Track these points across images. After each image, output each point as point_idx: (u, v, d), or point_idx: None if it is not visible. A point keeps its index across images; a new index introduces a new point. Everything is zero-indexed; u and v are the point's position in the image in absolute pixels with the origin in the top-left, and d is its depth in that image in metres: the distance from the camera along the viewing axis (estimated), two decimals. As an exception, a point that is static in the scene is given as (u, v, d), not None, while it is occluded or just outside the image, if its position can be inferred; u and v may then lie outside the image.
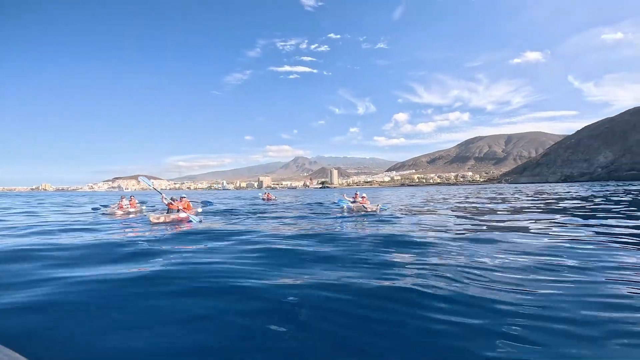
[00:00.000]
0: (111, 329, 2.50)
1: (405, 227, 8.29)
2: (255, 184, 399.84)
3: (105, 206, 15.91)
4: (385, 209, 13.10)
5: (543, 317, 2.58)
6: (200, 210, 11.91)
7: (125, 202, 14.56)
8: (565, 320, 2.51)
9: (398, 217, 10.65)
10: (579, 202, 16.32)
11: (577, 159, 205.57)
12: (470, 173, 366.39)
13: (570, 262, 4.20)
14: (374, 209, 12.61)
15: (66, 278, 3.73)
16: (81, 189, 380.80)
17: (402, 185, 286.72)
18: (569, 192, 30.27)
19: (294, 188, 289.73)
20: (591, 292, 3.13)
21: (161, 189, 13.24)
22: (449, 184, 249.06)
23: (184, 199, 11.88)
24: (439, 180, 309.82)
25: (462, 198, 24.14)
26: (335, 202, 17.00)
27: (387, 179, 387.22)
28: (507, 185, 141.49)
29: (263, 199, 25.03)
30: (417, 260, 4.48)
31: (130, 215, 13.13)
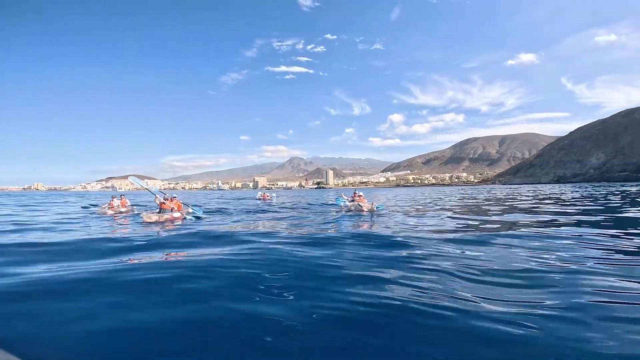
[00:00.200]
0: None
1: (397, 226, 8.26)
2: (251, 184, 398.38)
3: (94, 205, 15.75)
4: (382, 209, 13.10)
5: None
6: (190, 210, 11.83)
7: (116, 201, 14.44)
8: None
9: (392, 217, 10.64)
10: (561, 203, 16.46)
11: (569, 160, 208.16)
12: (464, 174, 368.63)
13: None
14: (370, 208, 12.63)
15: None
16: (74, 188, 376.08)
17: (397, 185, 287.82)
18: (562, 192, 30.58)
19: (290, 188, 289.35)
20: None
21: (156, 189, 13.08)
22: (444, 185, 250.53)
23: (174, 199, 11.79)
24: (433, 181, 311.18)
25: (457, 198, 24.24)
26: (334, 203, 17.17)
27: (382, 179, 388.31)
28: (500, 186, 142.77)
29: (258, 199, 25.43)
30: (405, 259, 4.43)
31: (122, 215, 13.04)
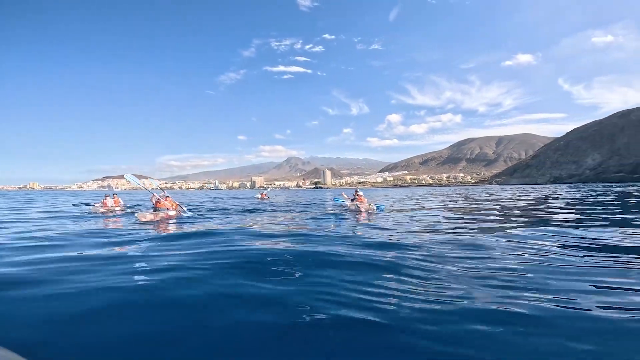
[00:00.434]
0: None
1: (388, 225, 7.98)
2: (248, 184, 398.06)
3: (87, 204, 15.50)
4: (382, 210, 12.31)
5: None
6: (185, 209, 11.58)
7: (109, 200, 14.19)
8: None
9: (393, 219, 10.37)
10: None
11: (565, 161, 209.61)
12: (461, 174, 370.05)
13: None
14: (367, 209, 12.11)
15: None
16: (69, 188, 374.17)
17: (395, 186, 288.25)
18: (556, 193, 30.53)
19: (287, 188, 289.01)
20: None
21: (152, 189, 12.79)
22: (441, 185, 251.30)
23: (168, 198, 11.57)
24: (431, 182, 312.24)
25: (452, 198, 24.12)
26: (333, 203, 16.88)
27: (379, 179, 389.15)
28: (497, 186, 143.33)
29: (257, 198, 26.02)
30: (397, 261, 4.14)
31: (116, 213, 12.95)
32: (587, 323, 2.34)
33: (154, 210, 10.79)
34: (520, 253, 4.60)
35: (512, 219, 9.48)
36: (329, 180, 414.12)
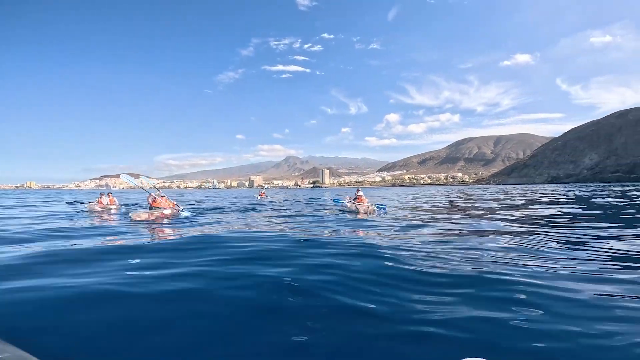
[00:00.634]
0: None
1: (383, 228, 7.88)
2: (247, 183, 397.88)
3: (81, 202, 15.38)
4: (385, 212, 11.57)
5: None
6: (181, 208, 11.45)
7: (105, 199, 14.08)
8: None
9: (392, 217, 10.26)
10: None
11: (563, 161, 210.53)
12: (459, 174, 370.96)
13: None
14: (366, 210, 11.47)
15: None
16: (67, 187, 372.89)
17: (393, 185, 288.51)
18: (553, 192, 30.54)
19: (285, 187, 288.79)
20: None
21: (148, 188, 12.67)
22: (439, 185, 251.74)
23: (164, 198, 11.48)
24: (429, 181, 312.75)
25: (449, 198, 24.09)
26: (333, 203, 16.76)
27: (378, 179, 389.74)
28: (494, 186, 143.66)
29: (256, 197, 26.04)
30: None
31: (111, 212, 12.82)
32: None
33: (150, 209, 10.68)
34: (518, 248, 4.52)
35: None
36: (328, 180, 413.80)
